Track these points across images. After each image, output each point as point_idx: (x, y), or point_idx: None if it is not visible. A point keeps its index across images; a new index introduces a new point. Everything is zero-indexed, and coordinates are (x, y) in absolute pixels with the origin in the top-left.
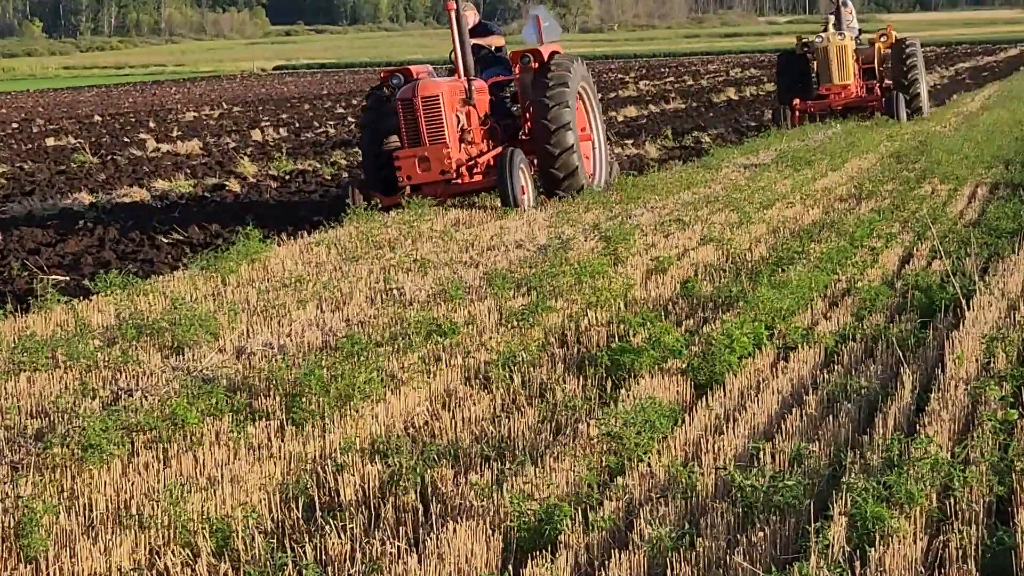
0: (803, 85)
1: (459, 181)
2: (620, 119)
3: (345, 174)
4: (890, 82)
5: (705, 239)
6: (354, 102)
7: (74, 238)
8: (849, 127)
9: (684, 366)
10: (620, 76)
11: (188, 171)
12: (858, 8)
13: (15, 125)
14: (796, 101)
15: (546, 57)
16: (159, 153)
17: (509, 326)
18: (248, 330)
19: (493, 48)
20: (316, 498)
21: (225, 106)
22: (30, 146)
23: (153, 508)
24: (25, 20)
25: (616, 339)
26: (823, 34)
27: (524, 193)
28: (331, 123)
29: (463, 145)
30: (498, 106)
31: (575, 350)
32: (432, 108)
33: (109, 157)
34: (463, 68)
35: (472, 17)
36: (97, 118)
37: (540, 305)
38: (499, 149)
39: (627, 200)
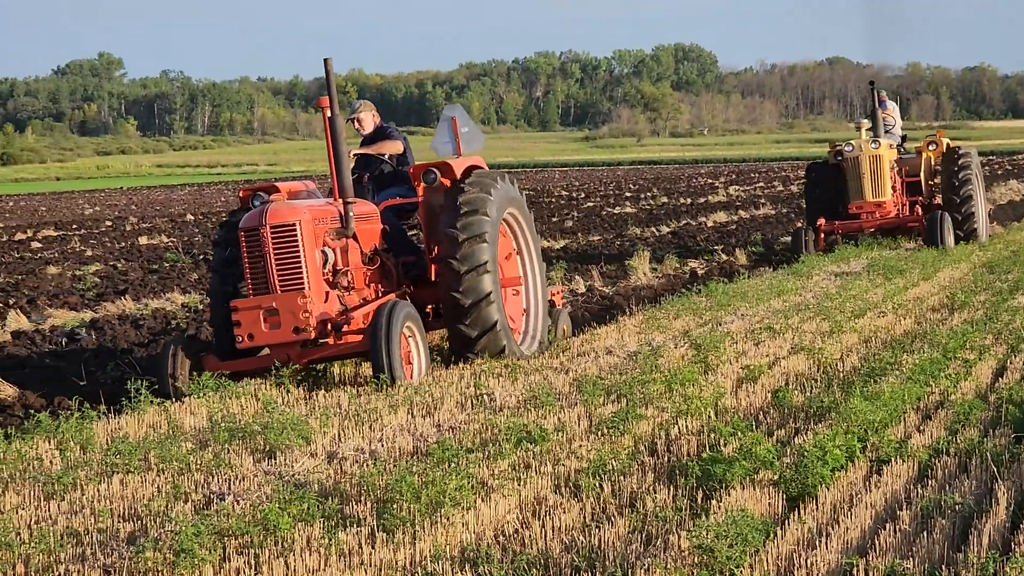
0: (840, 202)
1: (330, 341)
2: (710, 224)
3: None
4: (941, 200)
5: (796, 348)
6: None
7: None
8: None
9: (776, 478)
10: (710, 181)
11: None
12: (948, 115)
13: (109, 223)
14: (821, 221)
15: (459, 173)
16: None
17: (599, 434)
18: (340, 435)
19: (387, 157)
20: None
21: None
22: (123, 244)
23: None
24: (120, 119)
25: (707, 449)
26: (854, 141)
27: (410, 363)
28: None
29: (337, 292)
30: (396, 238)
31: (665, 459)
32: (285, 241)
33: (201, 257)
34: (340, 186)
35: (371, 122)
36: (189, 217)
37: (630, 413)
38: (392, 297)
39: (717, 307)
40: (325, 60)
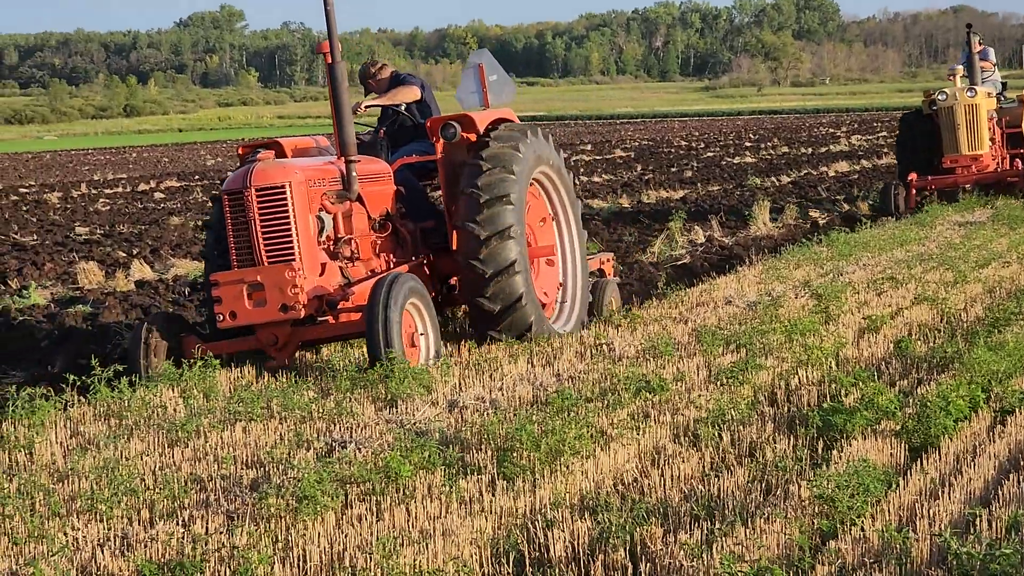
0: (935, 156)
1: (330, 319)
2: (831, 174)
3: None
4: None
5: (919, 298)
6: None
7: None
8: None
9: (898, 428)
10: (831, 130)
11: None
12: None
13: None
14: (912, 176)
15: (484, 127)
16: None
17: (718, 383)
18: (460, 384)
19: (404, 108)
20: (526, 554)
21: None
22: None
23: (366, 561)
24: (242, 70)
25: (827, 399)
26: (948, 90)
27: (415, 345)
28: None
29: (338, 263)
30: (414, 201)
31: (785, 409)
32: (272, 205)
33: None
34: (341, 142)
35: (384, 77)
36: None
37: (750, 363)
38: (404, 269)
39: (838, 257)
40: (325, 0)
